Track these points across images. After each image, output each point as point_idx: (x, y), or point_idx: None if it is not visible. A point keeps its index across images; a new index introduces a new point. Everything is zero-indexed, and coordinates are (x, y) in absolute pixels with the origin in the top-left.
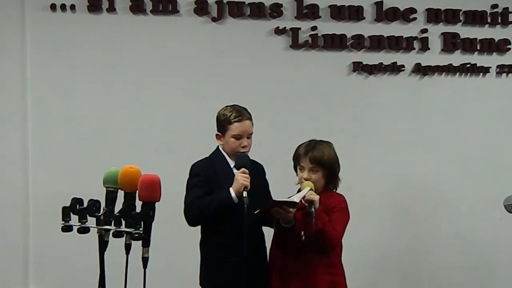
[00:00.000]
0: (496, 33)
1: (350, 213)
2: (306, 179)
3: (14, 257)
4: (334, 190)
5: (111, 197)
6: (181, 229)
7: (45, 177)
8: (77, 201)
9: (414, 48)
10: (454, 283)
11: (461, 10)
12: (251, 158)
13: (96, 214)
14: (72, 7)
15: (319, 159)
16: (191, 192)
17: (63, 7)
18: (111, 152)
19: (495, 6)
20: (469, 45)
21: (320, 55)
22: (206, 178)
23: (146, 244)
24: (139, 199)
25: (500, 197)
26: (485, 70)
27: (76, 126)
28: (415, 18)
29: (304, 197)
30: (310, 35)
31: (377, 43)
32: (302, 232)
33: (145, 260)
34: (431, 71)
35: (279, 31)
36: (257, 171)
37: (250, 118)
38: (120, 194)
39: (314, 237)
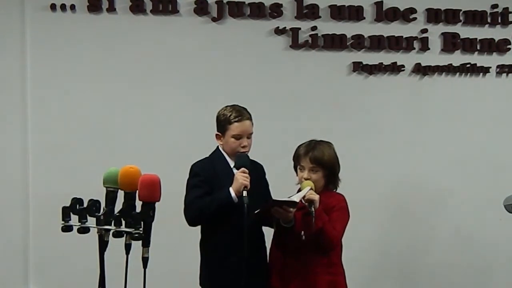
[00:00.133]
0: (496, 33)
1: (350, 212)
2: (306, 179)
3: (14, 257)
4: (334, 190)
5: (111, 197)
6: (181, 229)
7: (45, 177)
8: (77, 201)
9: (414, 48)
10: (454, 283)
11: (461, 10)
12: (251, 158)
13: (96, 214)
14: (72, 7)
15: (319, 159)
16: (191, 192)
17: (63, 7)
18: (111, 152)
19: (495, 6)
20: (469, 45)
21: (320, 55)
22: (206, 178)
23: (146, 244)
24: (139, 199)
25: (500, 197)
26: (485, 70)
27: (76, 126)
28: (415, 18)
29: (304, 196)
30: (310, 35)
31: (377, 43)
32: (302, 232)
33: (145, 260)
34: (431, 71)
35: (279, 31)
36: (257, 171)
37: (250, 118)
38: (120, 194)
39: (314, 236)
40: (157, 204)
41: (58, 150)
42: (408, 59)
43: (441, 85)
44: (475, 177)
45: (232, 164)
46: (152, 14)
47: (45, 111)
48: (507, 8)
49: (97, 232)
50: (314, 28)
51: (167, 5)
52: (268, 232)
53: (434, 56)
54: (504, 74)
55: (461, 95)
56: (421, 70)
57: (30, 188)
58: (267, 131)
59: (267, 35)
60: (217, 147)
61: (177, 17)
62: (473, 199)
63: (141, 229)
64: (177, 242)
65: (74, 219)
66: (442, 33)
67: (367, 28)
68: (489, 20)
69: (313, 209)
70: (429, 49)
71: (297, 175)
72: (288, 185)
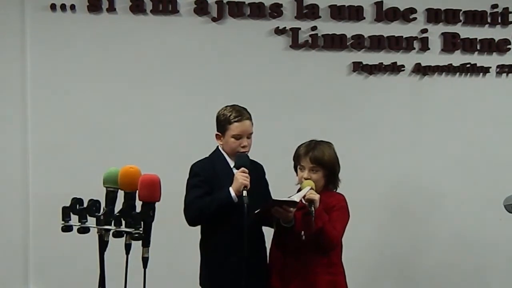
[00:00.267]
0: (496, 33)
1: (350, 212)
2: (306, 179)
3: (14, 257)
4: (334, 190)
5: (111, 197)
6: (181, 229)
7: (45, 177)
8: (77, 201)
9: (414, 48)
10: (454, 283)
11: (461, 10)
12: (251, 158)
13: (96, 214)
14: (72, 7)
15: (319, 159)
16: (191, 192)
17: (63, 7)
18: (111, 152)
19: (495, 6)
20: (469, 45)
21: (320, 55)
22: (206, 178)
23: (146, 244)
24: (139, 199)
25: (500, 197)
26: (485, 70)
27: (76, 126)
28: (415, 18)
29: (304, 196)
30: (310, 35)
31: (377, 43)
32: (302, 232)
33: (145, 260)
34: (431, 71)
35: (279, 31)
36: (256, 171)
37: (250, 118)
38: (120, 194)
39: (314, 236)
40: (157, 204)
41: (58, 150)
42: (408, 59)
43: (441, 85)
44: (475, 177)
45: (232, 164)
46: (152, 14)
47: (45, 111)
48: (507, 8)
49: (97, 232)
50: (314, 28)
51: (167, 5)
52: (268, 232)
53: (434, 56)
54: (504, 74)
55: (461, 95)
56: (421, 70)
57: (30, 188)
58: (267, 131)
59: (267, 35)
60: (217, 147)
61: (177, 17)
62: (473, 199)
63: (141, 229)
64: (177, 242)
65: (74, 219)
66: (442, 33)
67: (367, 28)
68: (489, 20)
69: (313, 208)
70: (429, 49)
71: (297, 175)
72: (288, 185)
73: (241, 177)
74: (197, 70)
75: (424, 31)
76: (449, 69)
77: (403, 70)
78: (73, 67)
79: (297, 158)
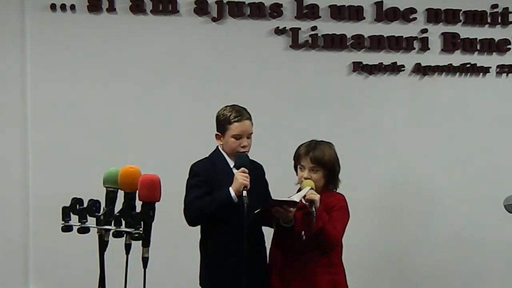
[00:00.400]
0: (496, 33)
1: (350, 212)
2: (306, 178)
3: (14, 257)
4: (334, 190)
5: (111, 197)
6: (181, 229)
7: (45, 177)
8: (77, 201)
9: (414, 48)
10: (454, 283)
11: (461, 10)
12: (251, 158)
13: (96, 214)
14: (72, 7)
15: (319, 159)
16: (191, 192)
17: (63, 7)
18: (111, 152)
19: (495, 6)
20: (469, 45)
21: (320, 55)
22: (206, 178)
23: (146, 244)
24: (139, 199)
25: (500, 197)
26: (485, 70)
27: (76, 126)
28: (415, 18)
29: (304, 196)
30: (310, 35)
31: (377, 43)
32: (303, 232)
33: (145, 260)
34: (431, 71)
35: (279, 31)
36: (256, 171)
37: (249, 118)
38: (120, 194)
39: (315, 236)
40: (157, 204)
41: (58, 150)
42: (408, 59)
43: (441, 85)
44: (475, 177)
45: (231, 164)
46: (152, 14)
47: (45, 111)
48: (507, 8)
49: (97, 232)
50: (314, 28)
51: (167, 5)
52: (268, 232)
53: (434, 56)
54: (504, 74)
55: (461, 95)
56: (421, 70)
57: (30, 188)
58: (267, 131)
59: (267, 35)
60: (217, 147)
61: (177, 17)
62: (473, 199)
63: (141, 229)
64: (177, 242)
65: (74, 219)
66: (442, 33)
67: (367, 28)
68: (489, 20)
69: (313, 209)
70: (429, 49)
71: (297, 174)
72: (288, 185)
73: (241, 177)
74: (197, 70)
75: (424, 31)
76: (449, 69)
77: (403, 70)
78: (73, 67)
79: (297, 158)
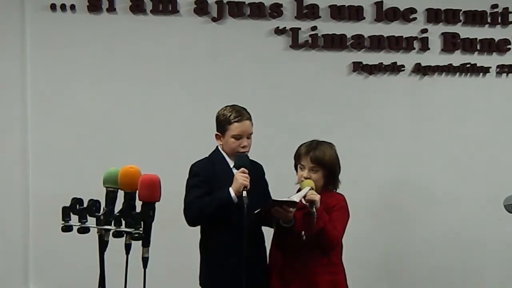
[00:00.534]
0: (496, 33)
1: (350, 212)
2: (306, 178)
3: (14, 257)
4: (334, 191)
5: (111, 197)
6: (181, 229)
7: (45, 177)
8: (77, 201)
9: (414, 48)
10: (454, 282)
11: (461, 10)
12: (250, 158)
13: (96, 214)
14: (72, 7)
15: (320, 159)
16: (190, 192)
17: (63, 7)
18: (111, 152)
19: (495, 6)
20: (469, 45)
21: (320, 55)
22: (206, 178)
23: (146, 244)
24: (139, 199)
25: (500, 197)
26: (485, 70)
27: (76, 126)
28: (415, 18)
29: (305, 196)
30: (310, 35)
31: (377, 43)
32: (303, 232)
33: (145, 260)
34: (431, 71)
35: (279, 31)
36: (256, 171)
37: (249, 118)
38: (120, 194)
39: (315, 236)
40: (157, 204)
41: (58, 150)
42: (408, 59)
43: (441, 85)
44: (475, 177)
45: (231, 164)
46: (152, 14)
47: (45, 111)
48: (507, 8)
49: (97, 232)
50: (314, 28)
51: (167, 5)
52: (268, 232)
53: (434, 56)
54: (504, 74)
55: (461, 95)
56: (421, 70)
57: (30, 188)
58: (267, 131)
59: (267, 35)
60: (217, 147)
61: (177, 17)
62: (473, 199)
63: (141, 229)
64: (177, 242)
65: (74, 219)
66: (442, 33)
67: (367, 28)
68: (489, 20)
69: (314, 209)
70: (429, 49)
71: (297, 174)
72: (288, 185)
73: (241, 177)
74: (197, 70)
75: (424, 31)
76: (449, 69)
77: (403, 70)
78: (73, 67)
79: (297, 157)
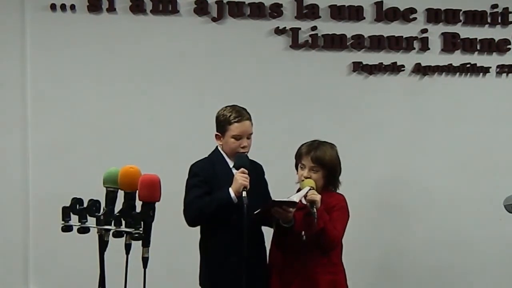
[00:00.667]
0: (496, 33)
1: (350, 212)
2: (306, 177)
3: (14, 257)
4: (334, 191)
5: (111, 197)
6: (181, 229)
7: (45, 177)
8: (77, 201)
9: (414, 48)
10: (454, 282)
11: (461, 10)
12: (250, 158)
13: (96, 214)
14: (72, 7)
15: (321, 159)
16: (190, 192)
17: (63, 7)
18: (111, 152)
19: (495, 6)
20: (469, 45)
21: (320, 55)
22: (206, 178)
23: (146, 244)
24: (139, 199)
25: (500, 197)
26: (485, 70)
27: (76, 126)
28: (415, 18)
29: (305, 197)
30: (310, 35)
31: (377, 43)
32: (303, 232)
33: (145, 260)
34: (431, 71)
35: (279, 31)
36: (256, 171)
37: (249, 119)
38: (120, 194)
39: (315, 236)
40: (157, 204)
41: (58, 150)
42: (408, 59)
43: (441, 85)
44: (475, 177)
45: (231, 164)
46: (152, 14)
47: (45, 111)
48: (507, 8)
49: (97, 232)
50: (314, 28)
51: (167, 5)
52: (268, 232)
53: (434, 56)
54: (504, 74)
55: (461, 95)
56: (421, 70)
57: (30, 188)
58: (267, 131)
59: (267, 35)
60: (216, 147)
61: (177, 17)
62: (473, 199)
63: (141, 229)
64: (177, 242)
65: (74, 219)
66: (442, 33)
67: (367, 28)
68: (489, 20)
69: (315, 209)
70: (429, 49)
71: (297, 173)
72: (288, 185)
73: (240, 177)
74: (197, 70)
75: (424, 31)
76: (449, 69)
77: (403, 70)
78: (73, 67)
79: (298, 156)
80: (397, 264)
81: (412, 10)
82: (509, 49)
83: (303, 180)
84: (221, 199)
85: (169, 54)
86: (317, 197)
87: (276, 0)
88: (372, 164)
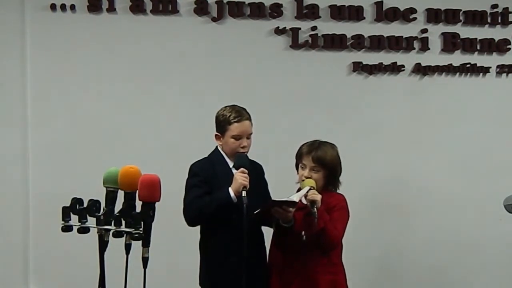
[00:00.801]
0: (496, 33)
1: (350, 212)
2: (307, 177)
3: (14, 257)
4: (334, 191)
5: (111, 197)
6: (181, 229)
7: (45, 176)
8: (77, 201)
9: (414, 48)
10: (454, 282)
11: (461, 10)
12: (250, 158)
13: (96, 214)
14: (72, 7)
15: (321, 159)
16: (190, 192)
17: (63, 7)
18: (111, 152)
19: (495, 6)
20: (469, 45)
21: (320, 55)
22: (205, 178)
23: (146, 244)
24: (139, 199)
25: (500, 197)
26: (485, 70)
27: (76, 126)
28: (415, 18)
29: (306, 196)
30: (310, 35)
31: (377, 43)
32: (303, 232)
33: (145, 260)
34: (431, 71)
35: (279, 31)
36: (256, 171)
37: (249, 118)
38: (120, 194)
39: (315, 236)
40: (157, 204)
41: (58, 150)
42: (408, 59)
43: (441, 85)
44: (475, 177)
45: (231, 164)
46: (152, 14)
47: (45, 111)
48: (507, 8)
49: (97, 232)
50: (314, 28)
51: (167, 5)
52: (268, 232)
53: (434, 56)
54: (504, 74)
55: (461, 95)
56: (421, 70)
57: (30, 188)
58: (267, 131)
59: (267, 35)
60: (216, 147)
61: (177, 17)
62: (473, 199)
63: (141, 229)
64: (177, 242)
65: (74, 219)
66: (442, 33)
67: (367, 28)
68: (489, 20)
69: (315, 209)
70: (429, 49)
71: (298, 173)
72: (288, 185)
73: (240, 177)
74: (196, 70)
75: (424, 31)
76: (449, 69)
77: (403, 70)
78: (73, 67)
79: (299, 156)
80: (397, 264)
81: (412, 10)
82: (509, 49)
83: (303, 180)
84: (221, 199)
85: (169, 54)
86: (318, 197)
87: (276, 0)
88: (372, 164)
